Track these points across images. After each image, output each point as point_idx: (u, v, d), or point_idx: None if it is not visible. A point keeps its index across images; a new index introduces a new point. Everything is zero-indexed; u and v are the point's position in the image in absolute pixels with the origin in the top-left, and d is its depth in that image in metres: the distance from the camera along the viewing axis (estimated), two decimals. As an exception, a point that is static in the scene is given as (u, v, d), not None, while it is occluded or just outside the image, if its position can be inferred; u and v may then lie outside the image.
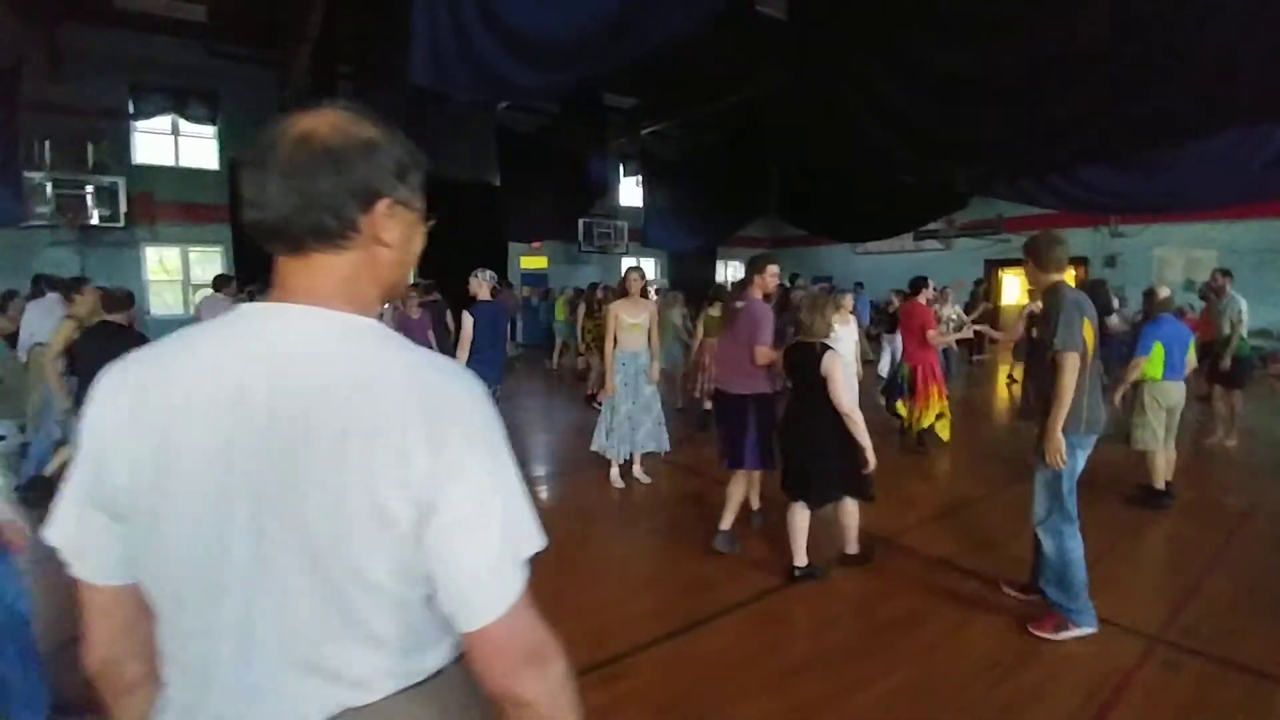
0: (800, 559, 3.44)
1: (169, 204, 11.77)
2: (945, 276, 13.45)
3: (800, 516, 3.44)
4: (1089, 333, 2.80)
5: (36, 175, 9.72)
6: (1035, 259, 2.97)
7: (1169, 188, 5.82)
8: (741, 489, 3.83)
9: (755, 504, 4.16)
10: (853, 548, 3.62)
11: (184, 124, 11.92)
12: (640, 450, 5.03)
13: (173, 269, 12.46)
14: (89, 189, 10.24)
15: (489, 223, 13.50)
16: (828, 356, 3.27)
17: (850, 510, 3.53)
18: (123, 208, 10.57)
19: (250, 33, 10.17)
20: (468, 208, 13.67)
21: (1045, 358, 2.84)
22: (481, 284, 5.01)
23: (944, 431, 5.96)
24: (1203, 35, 2.93)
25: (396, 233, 0.77)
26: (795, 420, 3.46)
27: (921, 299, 6.01)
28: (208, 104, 11.83)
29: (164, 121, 11.79)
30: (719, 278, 18.74)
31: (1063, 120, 4.07)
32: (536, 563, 2.80)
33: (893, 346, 10.32)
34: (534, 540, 0.77)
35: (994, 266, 14.29)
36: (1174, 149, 4.96)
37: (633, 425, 4.94)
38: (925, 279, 6.20)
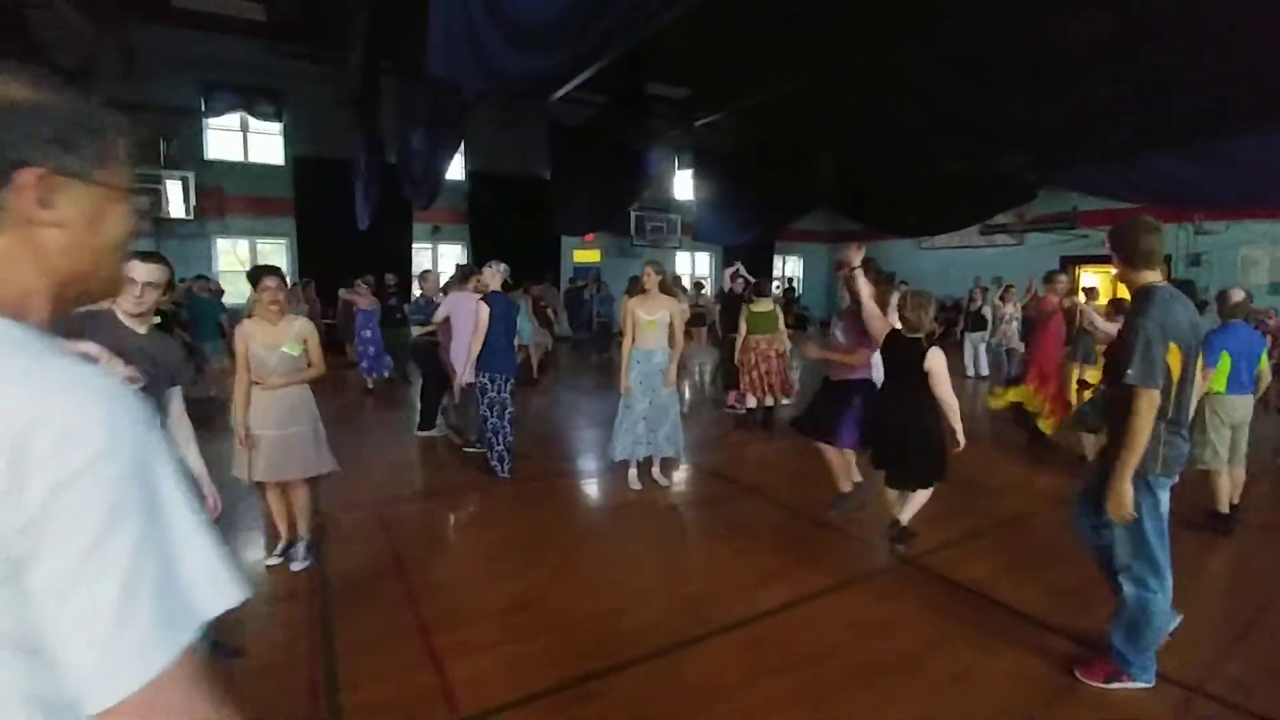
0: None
1: (239, 198, 12.41)
2: (1016, 273, 12.57)
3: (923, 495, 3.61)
4: (1176, 359, 2.27)
5: (116, 171, 10.43)
6: (1121, 252, 2.39)
7: (1245, 180, 5.16)
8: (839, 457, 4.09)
9: (852, 483, 4.18)
10: (906, 520, 3.65)
11: (252, 121, 12.54)
12: (659, 454, 4.88)
13: (245, 259, 13.16)
14: (161, 184, 10.88)
15: (541, 217, 13.58)
16: (933, 352, 3.39)
17: (921, 495, 3.62)
18: (192, 201, 11.21)
19: (310, 32, 10.51)
20: (520, 202, 13.84)
21: (1117, 386, 2.35)
22: (495, 275, 4.99)
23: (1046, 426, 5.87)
24: (1259, 19, 2.50)
25: (67, 210, 0.65)
26: (895, 410, 3.57)
27: (1056, 296, 5.84)
28: (274, 102, 12.38)
29: (234, 119, 12.42)
30: (775, 273, 18.29)
31: (1105, 106, 3.65)
32: (528, 567, 2.66)
33: (975, 347, 9.74)
34: (209, 600, 0.61)
35: (1070, 263, 13.20)
36: (1237, 137, 4.39)
37: (649, 426, 4.78)
38: (1058, 271, 6.25)
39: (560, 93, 12.34)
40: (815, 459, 4.17)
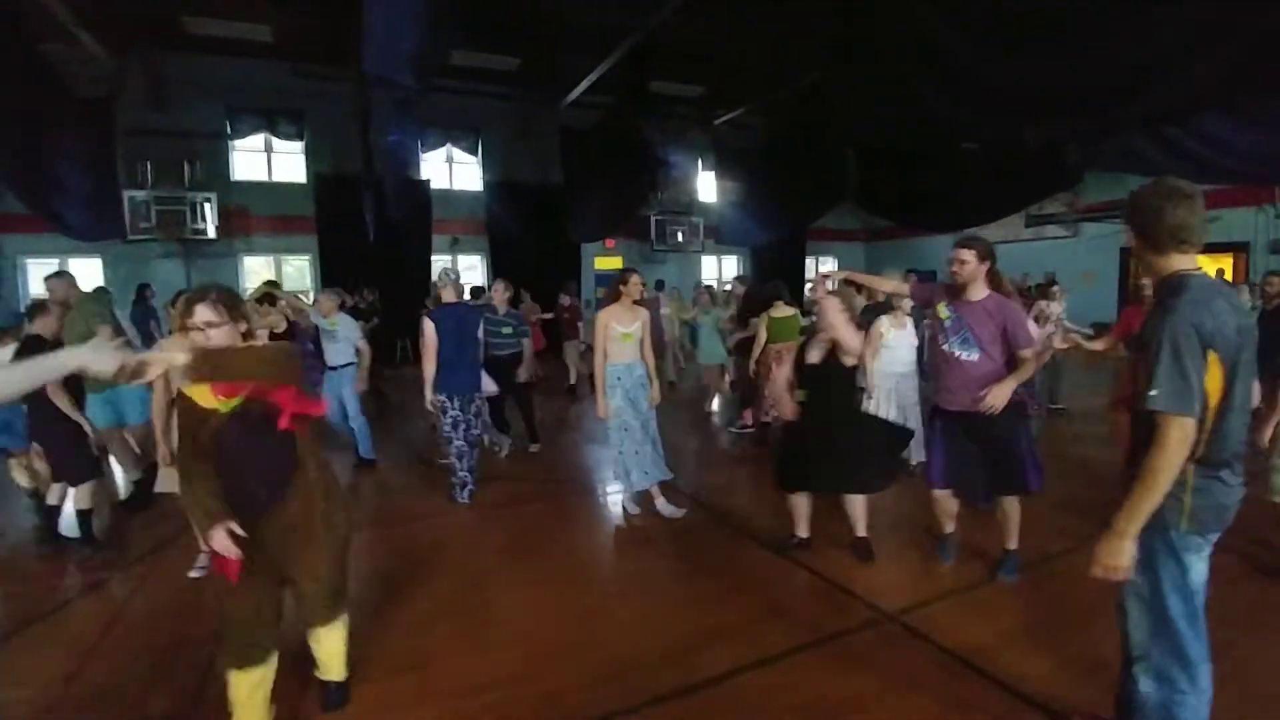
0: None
1: (263, 217, 12.63)
2: (1072, 268, 11.56)
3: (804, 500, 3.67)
4: (1217, 376, 1.64)
5: (140, 194, 10.70)
6: (1141, 226, 1.77)
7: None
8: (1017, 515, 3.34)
9: (1013, 543, 3.37)
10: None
11: (275, 141, 12.76)
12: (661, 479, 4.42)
13: (273, 277, 13.36)
14: (186, 205, 11.10)
15: (560, 225, 13.33)
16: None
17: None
18: (214, 221, 11.40)
19: (322, 51, 10.55)
20: (538, 211, 13.61)
21: (1140, 408, 1.71)
22: (445, 286, 4.64)
23: None
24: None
25: None
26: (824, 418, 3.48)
27: None
28: (295, 121, 12.57)
29: (258, 140, 12.66)
30: (808, 274, 17.50)
31: (1149, 60, 2.96)
32: (444, 615, 3.04)
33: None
34: None
35: (1131, 255, 11.93)
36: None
37: (656, 440, 4.33)
38: None
39: (571, 96, 12.11)
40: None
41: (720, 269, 16.47)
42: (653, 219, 14.64)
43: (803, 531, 3.71)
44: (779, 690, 2.51)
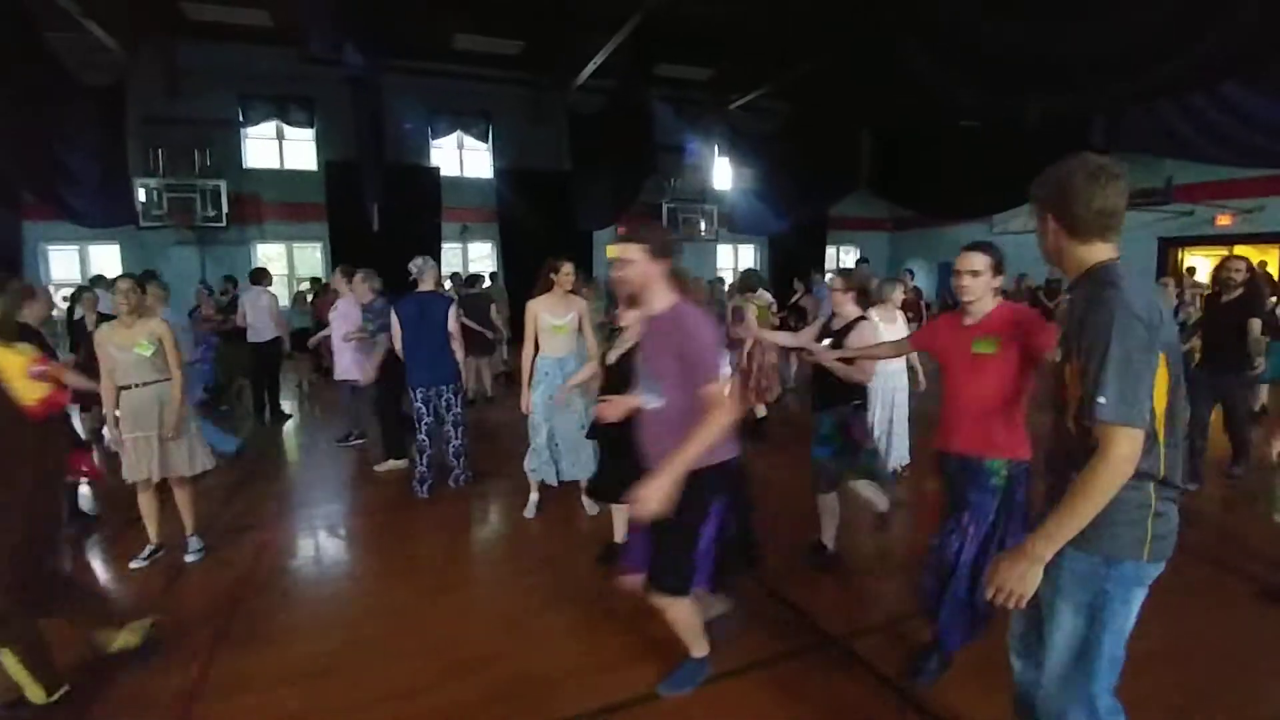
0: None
1: (275, 204, 12.71)
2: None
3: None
4: (1163, 381, 1.37)
5: (152, 182, 10.83)
6: (1058, 209, 1.46)
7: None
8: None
9: (698, 650, 2.46)
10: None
11: (286, 128, 12.81)
12: (583, 477, 4.18)
13: (284, 263, 13.46)
14: (197, 193, 11.19)
15: (570, 211, 13.11)
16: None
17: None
18: (225, 208, 11.47)
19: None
20: (548, 198, 13.42)
21: (1073, 417, 1.44)
22: (420, 273, 4.50)
23: None
24: None
25: None
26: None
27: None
28: (305, 109, 12.60)
29: (269, 128, 12.73)
30: (828, 264, 16.98)
31: (1163, 25, 2.58)
32: (361, 619, 2.97)
33: None
34: None
35: (1170, 246, 11.15)
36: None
37: (567, 447, 4.00)
38: None
39: (580, 80, 11.85)
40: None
41: (736, 258, 16.05)
42: (665, 207, 14.31)
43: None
44: (699, 715, 2.26)
